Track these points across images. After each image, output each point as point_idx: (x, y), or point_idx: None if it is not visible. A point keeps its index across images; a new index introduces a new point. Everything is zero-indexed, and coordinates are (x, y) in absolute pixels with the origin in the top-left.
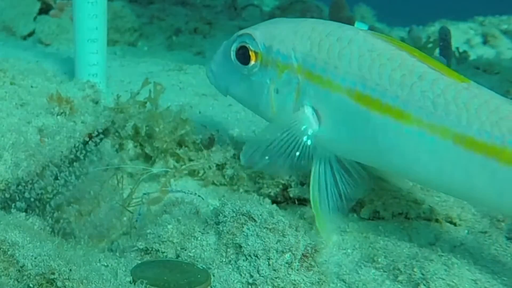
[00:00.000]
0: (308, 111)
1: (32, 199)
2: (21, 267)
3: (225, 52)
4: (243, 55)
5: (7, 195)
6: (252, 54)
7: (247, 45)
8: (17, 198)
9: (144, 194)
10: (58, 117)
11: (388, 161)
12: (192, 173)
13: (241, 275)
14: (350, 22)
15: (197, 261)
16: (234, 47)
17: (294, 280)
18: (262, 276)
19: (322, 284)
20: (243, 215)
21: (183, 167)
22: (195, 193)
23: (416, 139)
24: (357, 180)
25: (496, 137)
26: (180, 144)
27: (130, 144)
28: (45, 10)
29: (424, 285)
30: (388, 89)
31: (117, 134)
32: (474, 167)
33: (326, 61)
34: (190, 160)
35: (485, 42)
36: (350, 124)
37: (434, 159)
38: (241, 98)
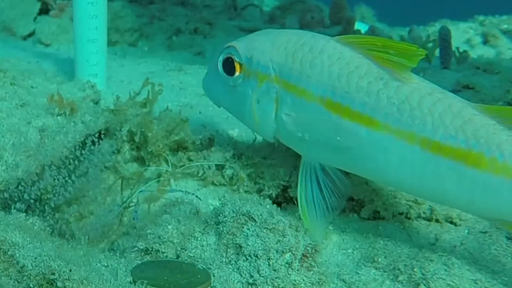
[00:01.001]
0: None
1: (32, 200)
2: (21, 267)
3: (215, 65)
4: (229, 67)
5: (6, 196)
6: (236, 65)
7: (232, 57)
8: (17, 199)
9: (140, 191)
10: (58, 117)
11: (361, 167)
12: (192, 173)
13: (241, 275)
14: (350, 22)
15: (197, 261)
16: (220, 59)
17: (294, 280)
18: (262, 276)
19: (322, 284)
20: (243, 215)
21: (178, 170)
22: (193, 194)
23: (385, 145)
24: (340, 188)
25: (462, 141)
26: (177, 147)
27: (126, 146)
28: (45, 10)
29: (425, 285)
30: (356, 96)
31: (114, 136)
32: (442, 171)
33: (299, 70)
34: (190, 160)
35: (485, 42)
36: (325, 132)
37: (404, 164)
38: (230, 109)
